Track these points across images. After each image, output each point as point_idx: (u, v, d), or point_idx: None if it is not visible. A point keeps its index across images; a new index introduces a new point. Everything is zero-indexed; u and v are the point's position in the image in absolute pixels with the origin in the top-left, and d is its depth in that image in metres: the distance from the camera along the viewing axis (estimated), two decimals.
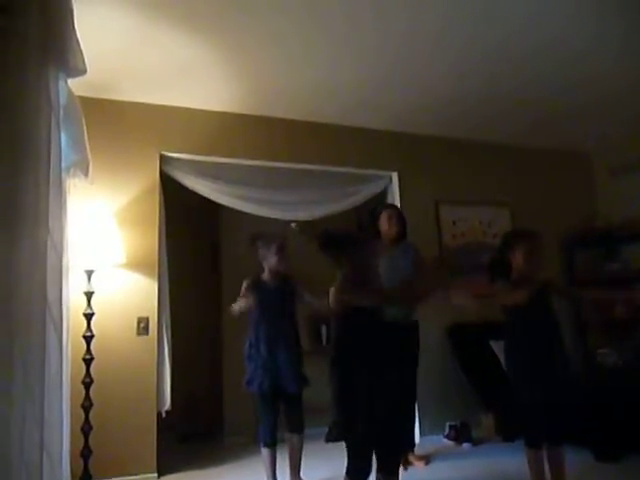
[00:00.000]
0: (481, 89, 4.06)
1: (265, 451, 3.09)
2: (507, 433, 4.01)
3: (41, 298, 1.79)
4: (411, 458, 3.60)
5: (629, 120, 4.80)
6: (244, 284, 3.20)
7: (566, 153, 5.51)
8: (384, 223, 3.68)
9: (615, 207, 5.22)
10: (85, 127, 3.03)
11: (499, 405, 4.06)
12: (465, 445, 4.04)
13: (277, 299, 3.17)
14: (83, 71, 2.14)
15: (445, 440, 4.16)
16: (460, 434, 4.11)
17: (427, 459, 3.66)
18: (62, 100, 2.63)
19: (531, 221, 4.41)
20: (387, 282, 3.20)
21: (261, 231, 3.36)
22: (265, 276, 3.23)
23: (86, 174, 2.89)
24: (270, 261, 3.19)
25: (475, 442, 4.07)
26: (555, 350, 2.60)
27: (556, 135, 5.14)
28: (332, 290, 2.34)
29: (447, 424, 4.19)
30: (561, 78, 3.93)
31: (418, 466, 3.55)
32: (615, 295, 4.73)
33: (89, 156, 2.97)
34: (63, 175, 2.72)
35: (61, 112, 2.58)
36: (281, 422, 3.15)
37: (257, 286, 3.17)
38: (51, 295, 1.86)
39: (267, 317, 3.12)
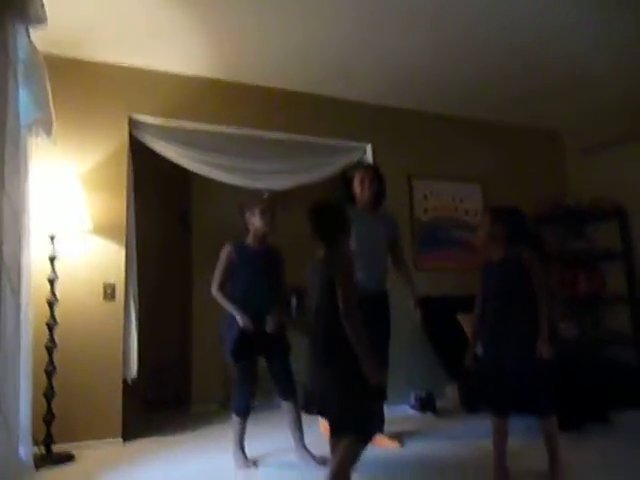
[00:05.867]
0: (457, 63, 4.05)
1: (237, 420, 3.05)
2: (470, 404, 4.11)
3: None
4: (383, 438, 3.25)
5: (602, 101, 4.85)
6: (227, 247, 3.13)
7: (539, 131, 5.56)
8: (357, 186, 3.43)
9: (585, 186, 5.31)
10: (49, 85, 2.92)
11: (464, 377, 4.14)
12: (429, 414, 4.12)
13: (260, 262, 3.11)
14: (43, 19, 2.04)
15: (410, 410, 4.24)
16: (425, 404, 4.20)
17: (400, 438, 3.37)
18: (22, 54, 2.53)
19: (502, 198, 4.47)
20: (360, 254, 3.18)
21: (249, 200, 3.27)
22: (249, 239, 3.17)
23: (49, 133, 2.80)
24: (254, 223, 3.13)
25: (439, 412, 4.15)
26: (522, 319, 2.62)
27: (530, 113, 5.18)
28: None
29: (412, 394, 4.27)
30: (538, 55, 3.94)
31: (391, 447, 3.25)
32: (579, 272, 4.86)
33: (53, 115, 2.88)
34: (24, 133, 2.64)
35: (21, 66, 2.49)
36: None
37: (240, 248, 3.13)
38: (8, 257, 1.81)
39: (250, 279, 3.07)
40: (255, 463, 3.02)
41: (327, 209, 2.39)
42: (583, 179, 5.42)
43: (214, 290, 3.11)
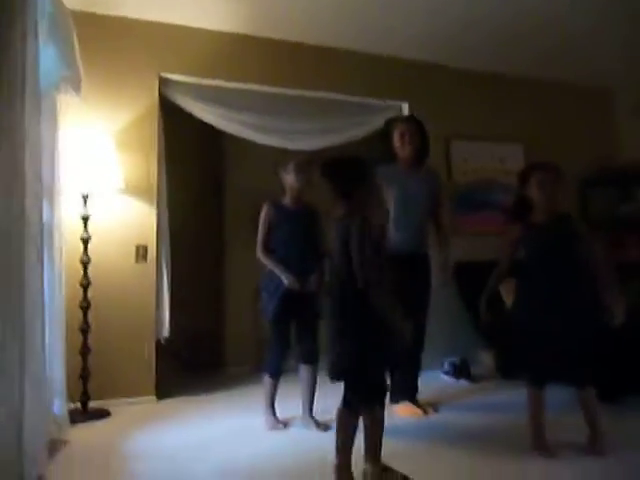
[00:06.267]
0: (496, 10, 3.76)
1: (269, 380, 3.04)
2: (507, 371, 4.01)
3: (19, 214, 1.71)
4: (407, 407, 3.20)
5: None
6: (264, 208, 3.07)
7: (585, 88, 5.22)
8: (397, 141, 3.22)
9: (635, 147, 5.00)
10: (77, 42, 2.88)
11: (501, 343, 4.03)
12: (463, 382, 4.04)
13: (298, 221, 3.04)
14: None
15: (444, 376, 4.16)
16: (459, 370, 4.11)
17: (432, 406, 3.30)
18: (48, 9, 2.47)
19: (545, 158, 4.22)
20: (399, 215, 3.09)
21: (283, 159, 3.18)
22: (286, 199, 3.10)
23: (78, 91, 2.76)
24: (288, 180, 3.05)
25: (474, 379, 4.07)
26: (570, 289, 2.48)
27: (576, 68, 4.83)
28: None
29: (446, 360, 4.19)
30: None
31: (416, 415, 3.16)
32: (628, 237, 4.62)
33: (81, 72, 2.84)
34: (51, 90, 2.60)
35: (47, 22, 2.43)
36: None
37: (277, 208, 3.07)
38: (30, 213, 1.78)
39: (289, 239, 3.02)
40: (285, 424, 3.02)
41: (340, 162, 2.23)
42: (633, 139, 5.11)
43: (258, 251, 3.07)
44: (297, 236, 3.04)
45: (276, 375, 3.03)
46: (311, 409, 3.04)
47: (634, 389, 3.37)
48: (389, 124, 3.33)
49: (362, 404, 2.15)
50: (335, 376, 2.12)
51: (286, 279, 2.92)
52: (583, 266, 2.49)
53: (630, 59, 4.60)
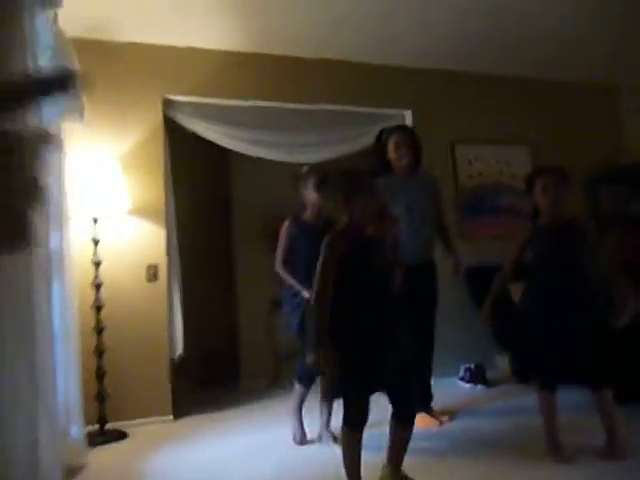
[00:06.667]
0: (495, 16, 3.76)
1: (299, 388, 3.06)
2: (522, 374, 3.97)
3: None
4: (425, 417, 3.10)
5: None
6: (286, 223, 3.09)
7: (591, 86, 5.18)
8: (392, 152, 3.21)
9: None
10: (79, 69, 2.93)
11: (515, 347, 4.00)
12: (479, 387, 4.01)
13: (318, 236, 3.04)
14: (58, 2, 2.00)
15: (460, 382, 4.14)
16: (475, 376, 4.09)
17: (448, 415, 3.27)
18: (48, 40, 2.52)
19: (552, 159, 4.20)
20: (405, 226, 3.06)
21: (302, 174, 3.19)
22: (307, 214, 3.12)
23: (81, 117, 2.81)
24: (308, 196, 3.08)
25: (490, 384, 4.04)
26: (577, 292, 2.47)
27: (579, 67, 4.80)
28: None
29: (462, 366, 4.16)
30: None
31: (432, 425, 3.13)
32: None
33: (84, 99, 2.88)
34: (56, 119, 2.65)
35: (48, 52, 2.48)
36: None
37: (298, 223, 3.09)
38: (38, 238, 1.81)
39: (309, 254, 2.98)
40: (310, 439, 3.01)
41: (326, 179, 2.32)
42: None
43: (278, 266, 3.09)
44: (317, 251, 3.02)
45: (308, 382, 3.03)
46: (329, 421, 3.04)
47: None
48: (383, 135, 3.31)
49: (362, 422, 2.12)
50: (334, 395, 2.12)
51: (306, 293, 2.89)
52: (589, 268, 2.47)
53: (632, 57, 4.57)
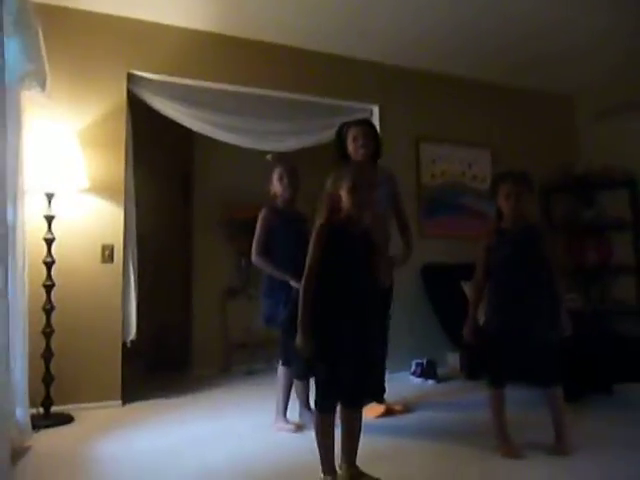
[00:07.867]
0: (469, 24, 3.90)
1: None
2: (472, 372, 4.09)
3: None
4: (372, 407, 3.14)
5: (614, 65, 4.68)
6: (263, 212, 3.03)
7: (550, 95, 5.37)
8: (350, 144, 3.13)
9: (596, 154, 5.15)
10: (42, 36, 2.79)
11: (466, 344, 4.10)
12: (430, 382, 4.10)
13: (293, 225, 3.02)
14: None
15: (411, 377, 4.21)
16: (426, 372, 4.17)
17: (398, 406, 3.30)
18: (11, 3, 2.39)
19: (512, 164, 4.32)
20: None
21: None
22: (279, 203, 3.09)
23: (43, 87, 2.68)
24: (276, 188, 3.06)
25: (440, 379, 4.13)
26: (537, 296, 2.55)
27: (542, 77, 4.99)
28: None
29: (413, 361, 4.24)
30: (550, 17, 3.78)
31: (374, 415, 3.13)
32: (588, 242, 4.75)
33: (46, 68, 2.75)
34: (15, 86, 2.52)
35: (9, 17, 2.36)
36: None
37: (276, 212, 3.05)
38: None
39: (287, 242, 2.98)
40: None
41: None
42: (594, 146, 5.26)
43: (254, 256, 3.01)
44: (294, 240, 2.96)
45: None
46: (307, 402, 3.03)
47: (600, 389, 3.50)
48: (342, 128, 3.25)
49: (334, 407, 2.15)
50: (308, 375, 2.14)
51: (294, 283, 2.81)
52: (546, 272, 2.56)
53: (593, 67, 4.75)
